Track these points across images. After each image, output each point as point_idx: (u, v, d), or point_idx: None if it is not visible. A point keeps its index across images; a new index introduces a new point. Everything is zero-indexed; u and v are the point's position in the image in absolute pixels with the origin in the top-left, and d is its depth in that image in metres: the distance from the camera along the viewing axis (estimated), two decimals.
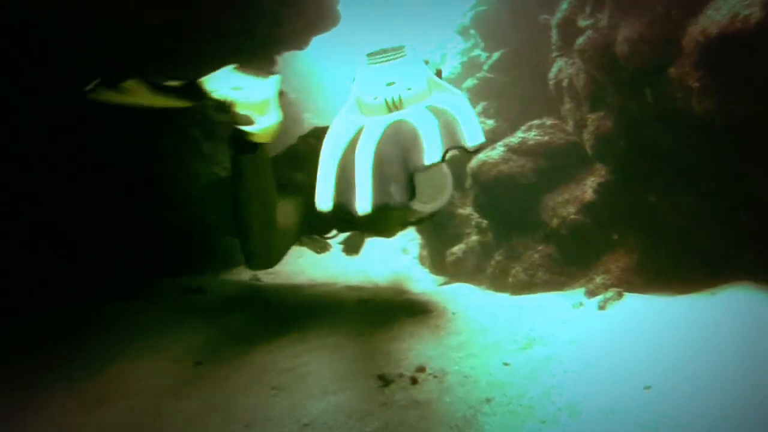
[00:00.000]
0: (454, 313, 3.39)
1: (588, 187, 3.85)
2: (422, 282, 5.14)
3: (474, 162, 4.52)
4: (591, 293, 3.38)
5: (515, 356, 2.47)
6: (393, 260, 6.50)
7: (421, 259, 6.09)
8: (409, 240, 7.07)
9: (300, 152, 3.37)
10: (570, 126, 4.08)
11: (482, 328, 3.04)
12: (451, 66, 6.85)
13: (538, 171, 4.24)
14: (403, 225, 3.26)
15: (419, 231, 5.81)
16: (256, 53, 6.52)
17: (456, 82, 6.42)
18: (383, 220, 2.94)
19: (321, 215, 2.89)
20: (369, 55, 2.34)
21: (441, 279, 5.15)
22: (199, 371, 2.45)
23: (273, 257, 2.86)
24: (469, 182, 4.70)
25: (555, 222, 3.95)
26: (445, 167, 3.10)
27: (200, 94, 2.00)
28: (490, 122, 5.48)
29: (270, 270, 6.30)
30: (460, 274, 4.85)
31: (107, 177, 4.27)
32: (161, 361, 2.57)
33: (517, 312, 3.30)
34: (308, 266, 6.25)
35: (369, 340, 2.94)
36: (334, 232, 3.96)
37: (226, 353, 2.68)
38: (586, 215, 3.79)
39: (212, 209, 3.62)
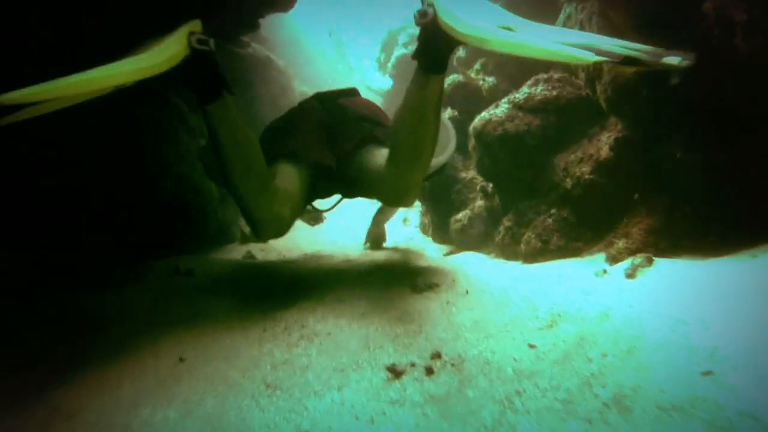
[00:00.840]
0: (464, 287, 3.12)
1: (603, 144, 3.54)
2: (426, 252, 4.85)
3: (477, 121, 4.19)
4: (613, 259, 3.09)
5: (540, 336, 2.19)
6: (393, 230, 6.20)
7: (423, 228, 5.80)
8: (409, 208, 6.78)
9: (297, 117, 3.23)
10: (582, 78, 3.74)
11: (498, 302, 2.77)
12: None
13: (547, 128, 3.92)
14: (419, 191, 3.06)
15: (420, 198, 5.50)
16: (237, 14, 6.13)
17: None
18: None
19: (326, 178, 2.97)
20: None
21: (446, 248, 4.87)
22: (184, 369, 2.17)
23: (281, 225, 2.71)
24: (472, 143, 4.38)
25: (568, 183, 3.65)
26: (445, 119, 3.28)
27: None
28: (490, 80, 5.12)
29: (262, 245, 6.03)
30: (467, 242, 4.56)
31: (83, 154, 3.95)
32: (143, 360, 2.28)
33: (534, 283, 3.03)
34: (303, 240, 5.97)
35: (373, 321, 2.67)
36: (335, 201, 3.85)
37: (214, 346, 2.40)
38: (602, 174, 3.48)
39: (206, 176, 3.33)
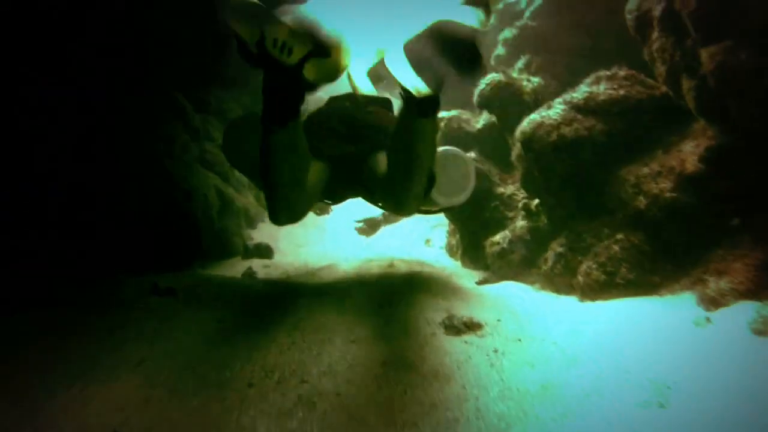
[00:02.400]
0: (514, 330, 2.41)
1: (689, 155, 2.83)
2: (455, 278, 4.13)
3: (526, 124, 3.49)
4: (712, 302, 2.36)
5: (655, 425, 1.47)
6: (414, 252, 5.48)
7: (450, 250, 5.07)
8: (432, 226, 6.04)
9: (324, 118, 3.17)
10: (661, 71, 3.02)
11: (568, 358, 2.05)
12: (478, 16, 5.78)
13: (613, 134, 3.21)
14: (419, 206, 2.93)
15: (447, 215, 4.79)
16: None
17: (490, 33, 5.36)
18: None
19: (343, 179, 2.99)
20: None
21: (478, 275, 4.14)
22: (155, 415, 1.47)
23: (296, 216, 2.69)
24: (517, 152, 3.68)
25: (641, 202, 2.93)
26: (470, 161, 3.04)
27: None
28: (535, 80, 4.42)
29: (267, 261, 5.35)
30: (505, 269, 3.83)
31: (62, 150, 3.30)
32: (106, 403, 1.59)
33: (609, 333, 2.30)
34: (311, 256, 5.28)
35: (399, 377, 1.96)
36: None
37: (191, 390, 1.70)
38: (687, 192, 2.77)
39: (233, 151, 3.13)
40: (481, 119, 4.82)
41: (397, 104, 2.75)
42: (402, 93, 2.03)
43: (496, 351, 2.22)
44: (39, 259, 3.07)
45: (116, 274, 3.48)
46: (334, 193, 3.31)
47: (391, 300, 3.13)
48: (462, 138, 4.87)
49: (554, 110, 3.41)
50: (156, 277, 3.41)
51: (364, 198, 3.50)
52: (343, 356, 2.20)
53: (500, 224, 4.16)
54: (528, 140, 3.42)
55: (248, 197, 7.19)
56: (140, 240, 3.76)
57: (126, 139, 3.89)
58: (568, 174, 3.31)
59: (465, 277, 4.17)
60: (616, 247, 2.98)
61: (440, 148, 2.86)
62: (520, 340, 2.32)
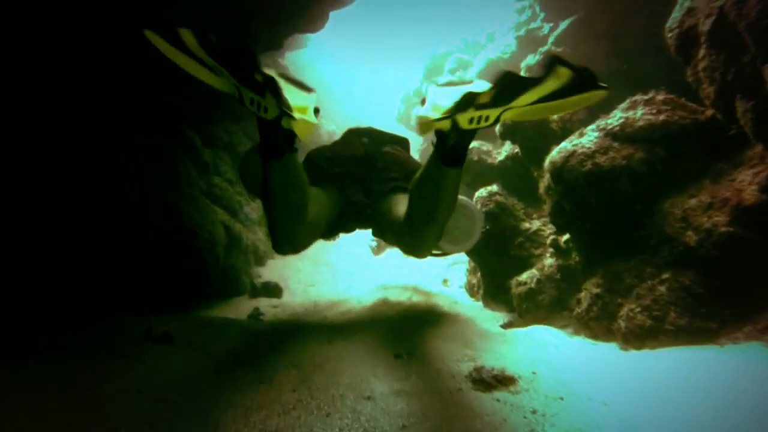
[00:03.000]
0: (553, 386, 2.08)
1: (747, 184, 2.52)
2: (477, 321, 3.78)
3: (556, 153, 3.20)
4: None
5: None
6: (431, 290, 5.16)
7: (470, 289, 4.74)
8: (450, 264, 5.72)
9: (344, 149, 3.28)
10: (709, 93, 2.73)
11: (626, 424, 1.71)
12: (503, 45, 5.56)
13: (653, 163, 2.91)
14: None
15: (467, 252, 4.47)
16: (267, 33, 5.32)
17: (512, 61, 5.12)
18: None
19: (354, 213, 3.09)
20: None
21: (502, 317, 3.81)
22: None
23: (300, 247, 2.75)
24: (545, 183, 3.38)
25: (691, 237, 2.61)
26: (477, 212, 3.20)
27: (252, 64, 1.65)
28: None
29: (276, 302, 5.04)
30: (533, 311, 3.49)
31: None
32: None
33: (666, 390, 1.96)
34: (322, 296, 4.97)
35: None
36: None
37: None
38: (747, 227, 2.45)
39: (249, 178, 3.17)
40: (503, 150, 4.54)
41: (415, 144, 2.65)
42: (433, 141, 2.06)
43: (535, 412, 1.89)
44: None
45: (115, 315, 3.21)
46: (343, 227, 3.39)
47: (411, 347, 2.81)
48: (483, 171, 4.59)
49: (587, 138, 3.12)
50: (156, 319, 3.12)
51: (374, 233, 3.68)
52: (356, 418, 1.88)
53: (526, 262, 3.84)
54: (558, 171, 3.13)
55: (257, 233, 6.92)
56: (142, 279, 3.48)
57: (131, 173, 3.64)
58: (604, 207, 3.00)
59: (488, 320, 3.83)
60: (662, 288, 2.65)
61: None
62: (562, 398, 1.99)
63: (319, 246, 7.56)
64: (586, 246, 3.23)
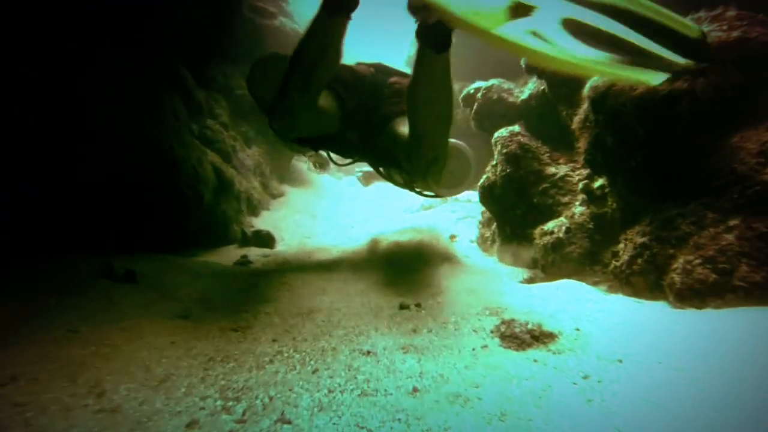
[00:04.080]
0: (607, 346, 1.62)
1: None
2: (494, 274, 3.31)
3: (598, 78, 2.69)
4: None
5: None
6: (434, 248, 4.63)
7: (483, 243, 4.25)
8: (459, 219, 5.23)
9: (348, 76, 3.19)
10: None
11: (713, 398, 1.26)
12: None
13: (723, 89, 2.40)
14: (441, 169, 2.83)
15: (482, 201, 3.98)
16: None
17: None
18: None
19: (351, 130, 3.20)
20: None
21: (522, 272, 3.34)
22: None
23: (292, 124, 2.78)
24: (582, 115, 2.88)
25: (766, 175, 2.13)
26: (470, 154, 3.29)
27: None
28: None
29: (267, 251, 4.58)
30: (560, 265, 3.02)
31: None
32: None
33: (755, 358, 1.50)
34: (317, 250, 4.50)
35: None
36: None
37: None
38: None
39: (259, 85, 3.13)
40: (527, 89, 4.02)
41: None
42: (418, 32, 2.14)
43: (587, 377, 1.43)
44: None
45: (79, 252, 2.75)
46: (344, 152, 3.47)
47: (419, 298, 2.35)
48: (503, 111, 4.09)
49: None
50: (125, 260, 2.66)
51: (371, 165, 3.66)
52: (351, 377, 1.42)
53: (552, 211, 3.35)
54: (601, 97, 2.62)
55: (252, 182, 6.43)
56: (114, 214, 3.02)
57: (107, 98, 3.15)
58: (655, 139, 2.50)
59: (506, 275, 3.37)
60: (729, 237, 2.17)
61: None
62: (620, 360, 1.52)
63: (318, 200, 7.10)
64: (630, 189, 2.74)
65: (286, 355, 1.57)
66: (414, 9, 2.07)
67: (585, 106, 2.82)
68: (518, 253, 3.60)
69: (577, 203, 3.21)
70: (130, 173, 3.18)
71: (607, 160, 2.78)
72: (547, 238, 3.10)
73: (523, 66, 3.72)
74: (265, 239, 4.92)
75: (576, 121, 2.97)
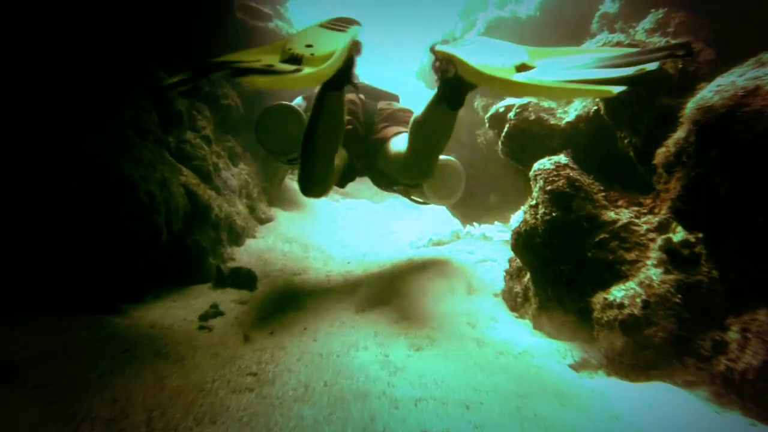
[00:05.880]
0: None
1: None
2: (533, 358, 2.46)
3: (710, 95, 1.87)
4: None
5: None
6: (445, 301, 3.70)
7: (512, 299, 3.38)
8: (477, 261, 4.36)
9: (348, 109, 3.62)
10: None
11: None
12: None
13: None
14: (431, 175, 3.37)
15: (512, 245, 3.13)
16: None
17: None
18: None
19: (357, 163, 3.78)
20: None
21: (568, 349, 2.51)
22: None
23: (325, 186, 3.25)
24: (674, 147, 2.06)
25: None
26: (463, 172, 3.77)
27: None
28: None
29: (247, 294, 3.75)
30: (634, 354, 2.18)
31: None
32: None
33: None
34: (308, 297, 3.69)
35: None
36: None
37: None
38: None
39: (267, 137, 3.61)
40: (572, 108, 3.22)
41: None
42: (438, 85, 2.56)
43: None
44: None
45: None
46: (347, 178, 3.89)
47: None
48: (542, 135, 3.27)
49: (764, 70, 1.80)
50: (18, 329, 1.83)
51: (373, 181, 4.12)
52: None
53: (613, 271, 2.52)
54: (720, 123, 1.80)
55: (237, 205, 5.59)
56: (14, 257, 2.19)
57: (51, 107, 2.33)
58: None
59: (546, 353, 2.53)
60: None
61: (442, 157, 3.51)
62: None
63: (311, 226, 6.25)
64: (748, 255, 1.91)
65: None
66: (438, 64, 2.46)
67: (680, 133, 2.00)
68: (561, 322, 2.77)
69: (650, 263, 2.38)
70: (51, 201, 2.35)
71: (714, 212, 1.95)
72: (613, 313, 2.26)
73: None
74: (245, 279, 4.09)
75: (662, 155, 2.15)
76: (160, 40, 4.34)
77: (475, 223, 5.21)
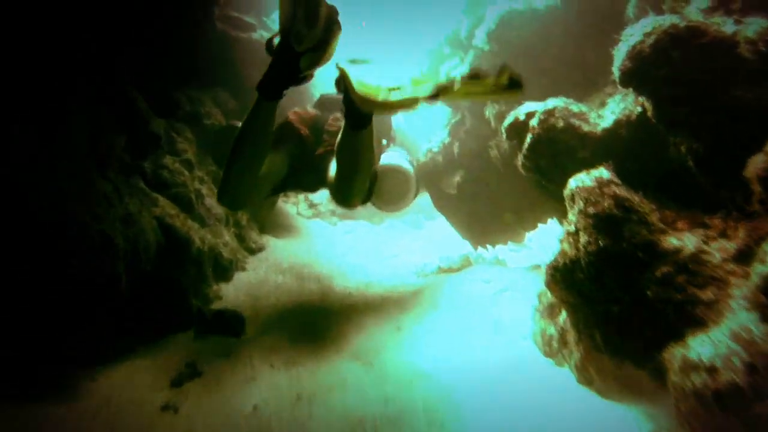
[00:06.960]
0: None
1: None
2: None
3: None
4: None
5: None
6: (469, 348, 3.11)
7: (546, 343, 2.81)
8: (496, 292, 3.78)
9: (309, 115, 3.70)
10: None
11: None
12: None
13: None
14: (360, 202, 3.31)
15: (547, 280, 2.58)
16: None
17: None
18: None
19: (299, 174, 3.51)
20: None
21: (631, 414, 1.97)
22: None
23: (240, 203, 3.16)
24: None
25: None
26: (410, 174, 3.61)
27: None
28: (753, 25, 2.26)
29: (233, 342, 3.21)
30: (727, 426, 1.65)
31: None
32: None
33: None
34: (304, 333, 3.16)
35: None
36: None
37: None
38: None
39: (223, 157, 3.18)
40: (609, 111, 2.70)
41: None
42: (342, 109, 2.47)
43: None
44: None
45: None
46: (290, 187, 3.73)
47: None
48: (573, 145, 2.74)
49: None
50: None
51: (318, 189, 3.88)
52: None
53: (682, 314, 1.98)
54: None
55: (224, 236, 5.05)
56: None
57: None
58: None
59: (601, 411, 1.99)
60: None
61: (386, 161, 3.59)
62: None
63: (306, 254, 5.70)
64: None
65: None
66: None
67: None
68: (614, 376, 2.23)
69: (735, 304, 1.84)
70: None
71: None
72: (699, 379, 1.71)
73: (617, 73, 2.36)
74: (231, 323, 3.56)
75: (759, 164, 1.62)
76: (133, 48, 3.88)
77: (488, 246, 4.68)
